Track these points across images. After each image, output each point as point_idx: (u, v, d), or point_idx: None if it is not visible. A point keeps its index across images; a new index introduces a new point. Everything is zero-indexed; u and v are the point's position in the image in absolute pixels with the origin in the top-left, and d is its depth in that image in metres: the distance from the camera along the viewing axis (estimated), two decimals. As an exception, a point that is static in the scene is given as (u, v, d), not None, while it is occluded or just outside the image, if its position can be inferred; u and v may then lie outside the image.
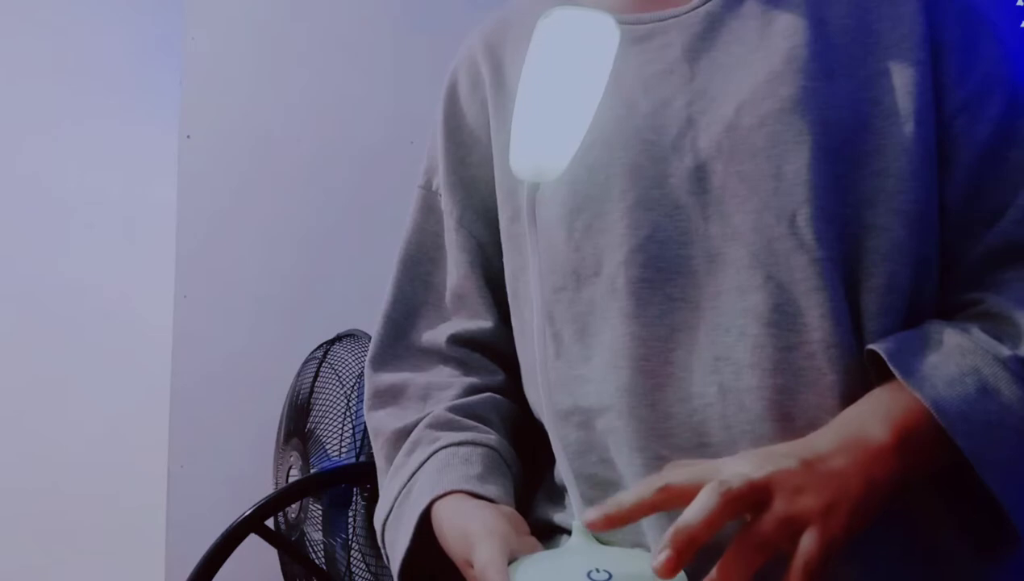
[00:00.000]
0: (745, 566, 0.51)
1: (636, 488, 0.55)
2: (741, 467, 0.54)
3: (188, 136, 1.96)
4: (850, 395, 0.61)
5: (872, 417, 0.58)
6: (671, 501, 0.54)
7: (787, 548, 0.52)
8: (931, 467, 0.60)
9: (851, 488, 0.54)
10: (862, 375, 0.62)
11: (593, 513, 0.54)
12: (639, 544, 0.64)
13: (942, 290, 0.67)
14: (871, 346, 0.61)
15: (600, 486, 0.67)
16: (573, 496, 0.60)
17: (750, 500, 0.52)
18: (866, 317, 0.63)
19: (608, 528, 0.54)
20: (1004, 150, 0.67)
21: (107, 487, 2.05)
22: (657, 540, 0.62)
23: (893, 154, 0.65)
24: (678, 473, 0.55)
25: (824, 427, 0.59)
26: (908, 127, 0.65)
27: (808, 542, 0.52)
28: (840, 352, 0.62)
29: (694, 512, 0.51)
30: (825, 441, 0.57)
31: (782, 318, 0.62)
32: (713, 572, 0.52)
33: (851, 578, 0.60)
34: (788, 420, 0.61)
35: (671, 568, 0.49)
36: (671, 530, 0.50)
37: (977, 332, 0.61)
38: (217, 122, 1.97)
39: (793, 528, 0.52)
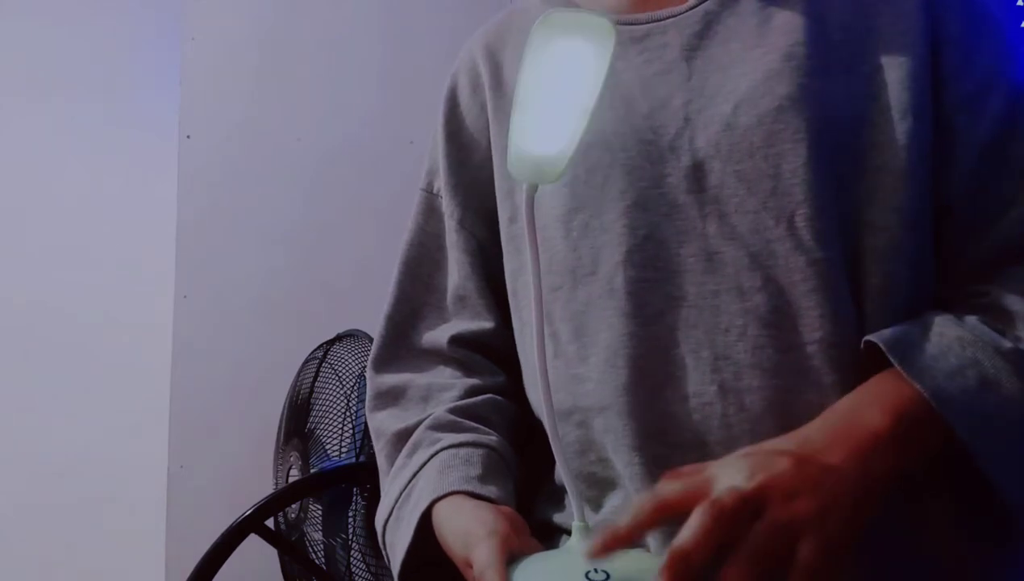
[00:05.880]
0: None
1: (631, 511, 0.54)
2: (732, 477, 0.53)
3: (188, 136, 1.96)
4: None
5: (868, 404, 0.58)
6: (667, 517, 0.53)
7: (785, 556, 0.51)
8: (927, 458, 0.59)
9: (848, 485, 0.53)
10: (863, 374, 0.61)
11: (593, 542, 0.53)
12: (637, 544, 0.64)
13: (944, 286, 0.67)
14: (869, 337, 0.61)
15: (598, 485, 0.67)
16: (572, 495, 0.60)
17: (743, 513, 0.51)
18: (866, 316, 0.63)
19: (607, 554, 0.53)
20: (1006, 146, 0.66)
21: (107, 487, 2.05)
22: (655, 539, 0.62)
23: (891, 150, 0.64)
24: (671, 487, 0.54)
25: (820, 417, 0.59)
26: (906, 123, 0.65)
27: (805, 552, 0.51)
28: (840, 352, 0.61)
29: (687, 535, 0.49)
30: (820, 433, 0.57)
31: (782, 319, 0.62)
32: None
33: (852, 574, 0.59)
34: (789, 420, 0.61)
35: None
36: (667, 556, 0.49)
37: (978, 324, 0.61)
38: (217, 122, 1.97)
39: (789, 537, 0.51)
